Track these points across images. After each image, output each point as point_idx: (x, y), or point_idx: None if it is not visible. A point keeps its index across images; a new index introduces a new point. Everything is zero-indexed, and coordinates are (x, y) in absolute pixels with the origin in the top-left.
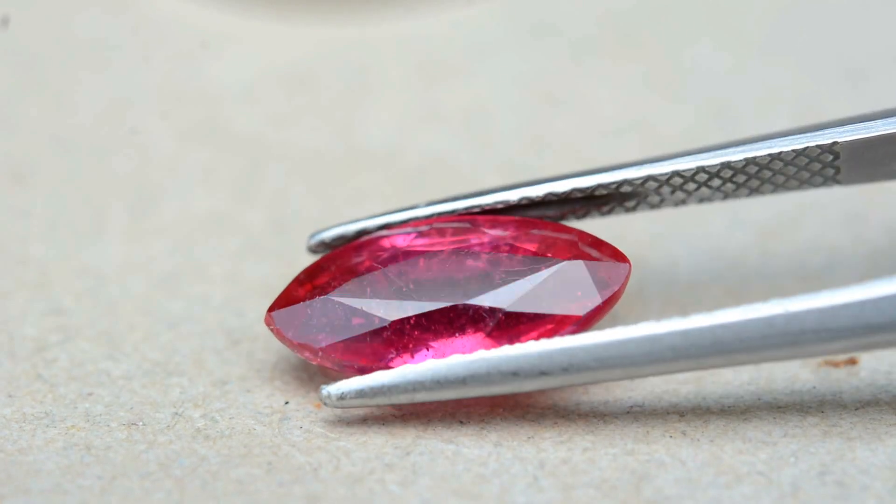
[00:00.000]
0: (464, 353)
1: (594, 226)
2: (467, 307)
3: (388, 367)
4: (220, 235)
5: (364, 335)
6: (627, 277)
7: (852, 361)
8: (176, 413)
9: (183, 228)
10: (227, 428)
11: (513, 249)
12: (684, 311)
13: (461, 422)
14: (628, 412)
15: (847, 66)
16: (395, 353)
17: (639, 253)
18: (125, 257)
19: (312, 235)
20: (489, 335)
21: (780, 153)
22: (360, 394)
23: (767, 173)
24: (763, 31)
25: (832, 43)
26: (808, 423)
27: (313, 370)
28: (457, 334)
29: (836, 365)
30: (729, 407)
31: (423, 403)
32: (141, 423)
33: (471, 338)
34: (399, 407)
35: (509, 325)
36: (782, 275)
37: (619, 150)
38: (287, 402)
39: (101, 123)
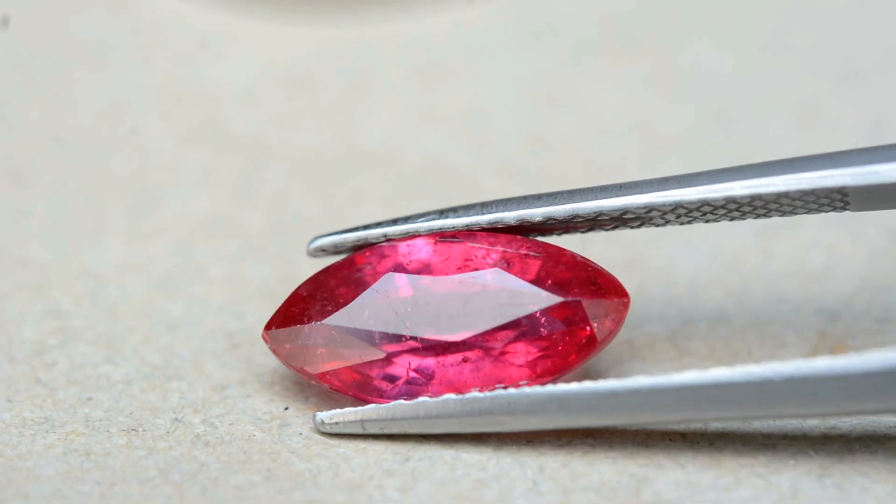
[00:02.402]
0: (459, 378)
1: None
2: (463, 338)
3: (382, 392)
4: (219, 237)
5: (359, 360)
6: (626, 312)
7: None
8: (175, 419)
9: (182, 230)
10: (227, 434)
11: (516, 279)
12: (684, 312)
13: None
14: None
15: (847, 67)
16: (389, 378)
17: (638, 253)
18: (125, 259)
19: (312, 241)
20: (485, 365)
21: (788, 192)
22: (353, 424)
23: (774, 205)
24: (763, 32)
25: (832, 43)
26: (807, 426)
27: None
28: (453, 363)
29: None
30: None
31: None
32: (140, 429)
33: (467, 368)
34: None
35: (505, 357)
36: (782, 275)
37: (620, 152)
38: (286, 408)
39: (100, 124)
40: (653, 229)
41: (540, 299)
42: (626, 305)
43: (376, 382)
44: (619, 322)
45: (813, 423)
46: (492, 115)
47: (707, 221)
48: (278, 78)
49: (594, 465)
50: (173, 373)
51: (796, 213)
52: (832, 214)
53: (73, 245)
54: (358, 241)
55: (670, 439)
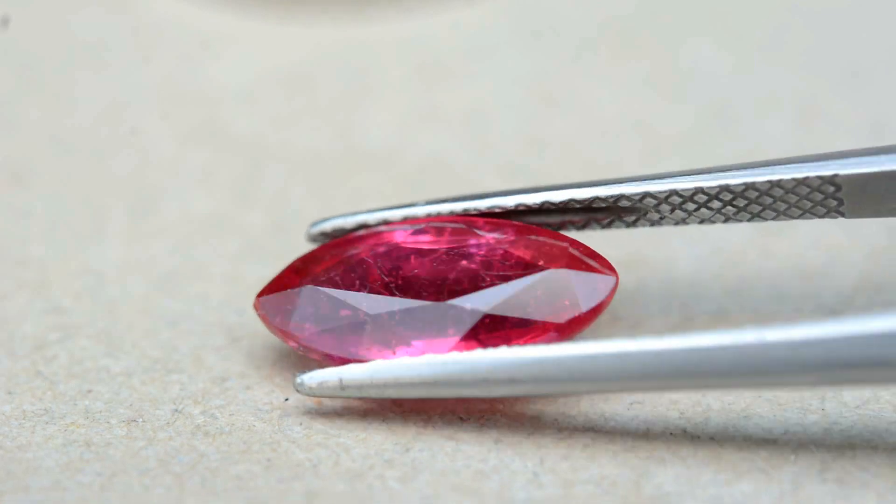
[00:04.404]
0: (443, 352)
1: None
2: (450, 307)
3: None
4: (219, 236)
5: (347, 327)
6: (614, 290)
7: None
8: (175, 410)
9: (182, 229)
10: (227, 424)
11: (505, 254)
12: (685, 308)
13: (461, 418)
14: (628, 409)
15: (847, 67)
16: (376, 347)
17: (638, 250)
18: (125, 257)
19: (313, 224)
20: (470, 337)
21: (780, 181)
22: (333, 385)
23: (768, 199)
24: (763, 32)
25: (833, 43)
26: (808, 421)
27: (313, 367)
28: (438, 333)
29: None
30: (729, 404)
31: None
32: (140, 420)
33: (452, 338)
34: (398, 402)
35: (490, 329)
36: (781, 272)
37: (620, 152)
38: (287, 399)
39: (100, 124)
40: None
41: (530, 272)
42: (613, 282)
43: (363, 349)
44: (604, 300)
45: (814, 418)
46: (492, 115)
47: (702, 222)
48: (278, 78)
49: (595, 458)
50: (173, 366)
51: (791, 215)
52: None
53: (74, 244)
54: (357, 224)
55: (671, 433)
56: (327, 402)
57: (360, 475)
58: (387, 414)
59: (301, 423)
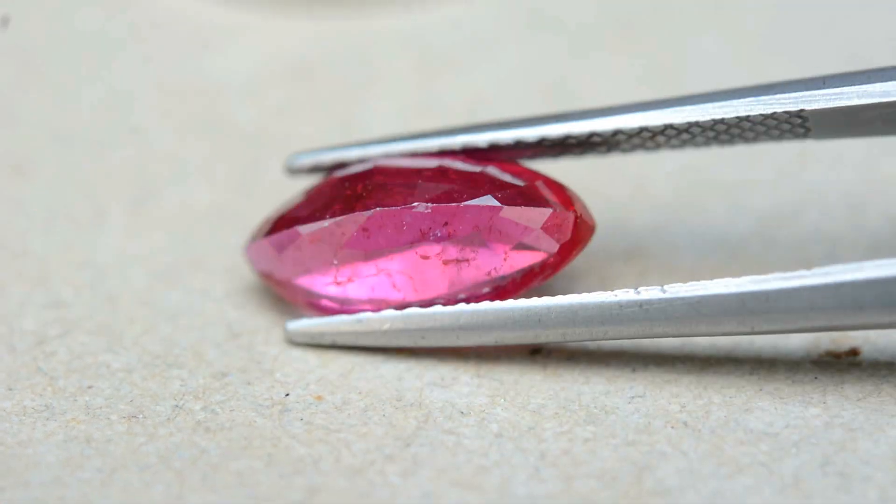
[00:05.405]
0: (405, 267)
1: (594, 203)
2: (409, 211)
3: (345, 301)
4: (220, 228)
5: (318, 263)
6: (575, 225)
7: (854, 353)
8: (176, 405)
9: (183, 221)
10: (228, 420)
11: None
12: None
13: (462, 412)
14: (629, 403)
15: (847, 59)
16: (345, 278)
17: (640, 242)
18: (125, 250)
19: (290, 158)
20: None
21: (749, 116)
22: (320, 334)
23: (737, 131)
24: (764, 23)
25: (833, 35)
26: (809, 414)
27: (315, 362)
28: (402, 249)
29: (837, 356)
30: (730, 398)
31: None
32: (141, 416)
33: (415, 252)
34: (399, 398)
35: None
36: (783, 263)
37: None
38: (287, 394)
39: (101, 117)
40: (654, 216)
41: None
42: (573, 217)
43: (334, 282)
44: (569, 233)
45: (815, 412)
46: (492, 107)
47: (673, 148)
48: (279, 70)
49: (596, 453)
50: (174, 361)
51: (761, 141)
52: (833, 199)
53: (74, 236)
54: (335, 161)
55: (672, 427)
56: (328, 397)
57: (361, 470)
58: (387, 408)
59: (302, 419)
